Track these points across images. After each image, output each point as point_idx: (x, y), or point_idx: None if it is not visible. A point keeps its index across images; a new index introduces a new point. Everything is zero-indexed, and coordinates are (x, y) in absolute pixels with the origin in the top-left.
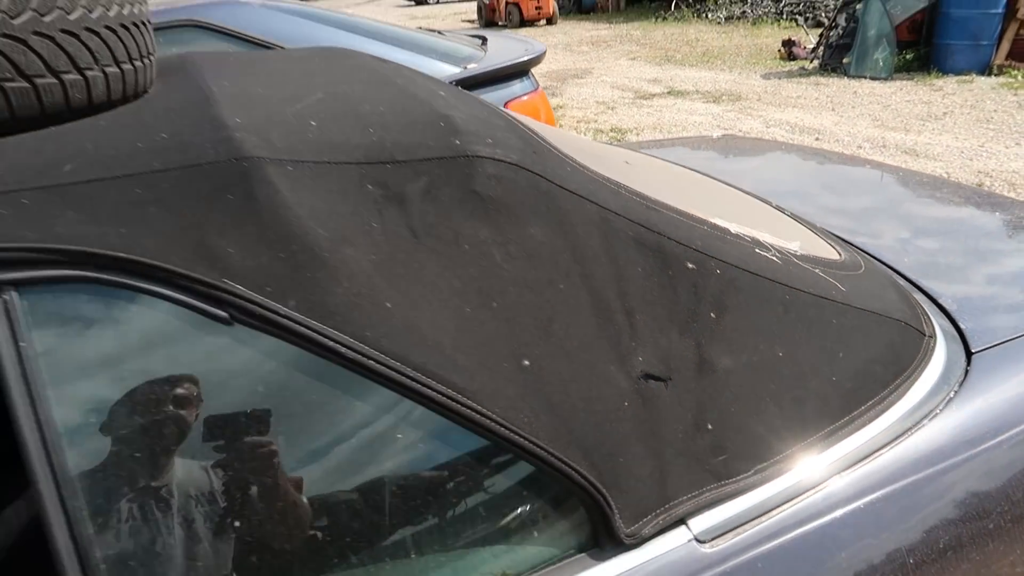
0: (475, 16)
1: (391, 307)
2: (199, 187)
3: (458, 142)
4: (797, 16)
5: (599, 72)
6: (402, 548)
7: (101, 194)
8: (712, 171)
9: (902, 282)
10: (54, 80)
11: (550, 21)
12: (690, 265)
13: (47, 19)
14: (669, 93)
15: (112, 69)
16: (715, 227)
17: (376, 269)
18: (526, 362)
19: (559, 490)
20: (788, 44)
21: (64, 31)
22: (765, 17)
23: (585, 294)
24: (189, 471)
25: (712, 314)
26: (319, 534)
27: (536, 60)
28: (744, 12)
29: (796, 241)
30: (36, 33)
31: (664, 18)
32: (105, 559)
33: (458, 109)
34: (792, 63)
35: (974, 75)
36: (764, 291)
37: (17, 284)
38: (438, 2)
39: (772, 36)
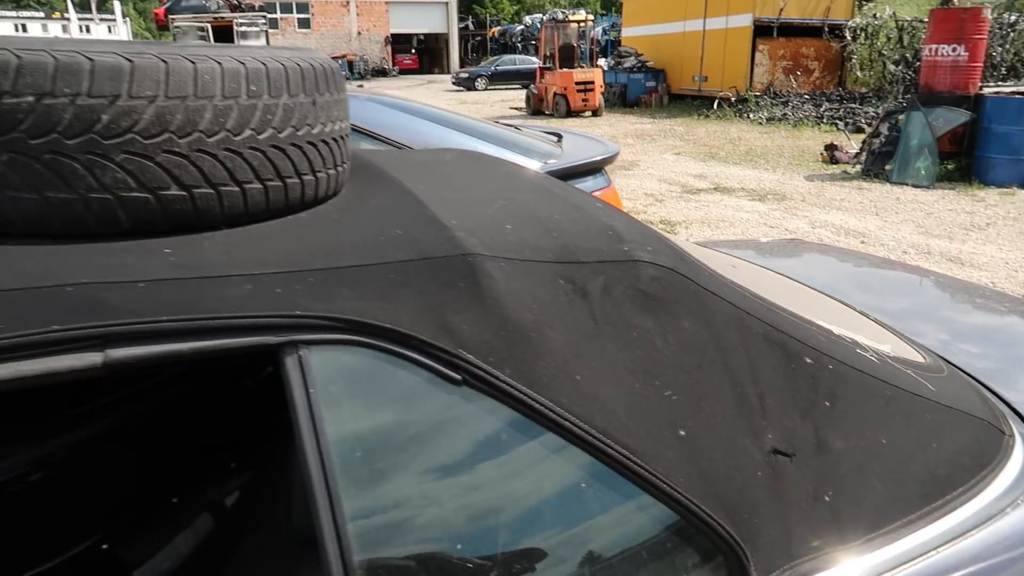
0: (523, 104)
1: (580, 379)
2: (437, 275)
3: (626, 248)
4: (837, 121)
5: (645, 165)
6: None
7: (366, 277)
8: (790, 273)
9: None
10: (297, 180)
11: (595, 113)
12: (808, 360)
13: (300, 133)
14: (715, 189)
15: (332, 171)
16: (821, 328)
17: (568, 348)
18: (682, 432)
19: (705, 543)
20: (831, 148)
21: (309, 142)
22: (806, 120)
23: (726, 379)
24: (426, 496)
25: (827, 403)
26: (507, 556)
27: (611, 159)
28: (785, 114)
29: (887, 344)
30: (293, 144)
31: (706, 116)
32: (360, 565)
33: (617, 220)
34: (834, 166)
35: (1015, 188)
36: (868, 386)
37: (309, 344)
38: (486, 88)
39: (813, 139)
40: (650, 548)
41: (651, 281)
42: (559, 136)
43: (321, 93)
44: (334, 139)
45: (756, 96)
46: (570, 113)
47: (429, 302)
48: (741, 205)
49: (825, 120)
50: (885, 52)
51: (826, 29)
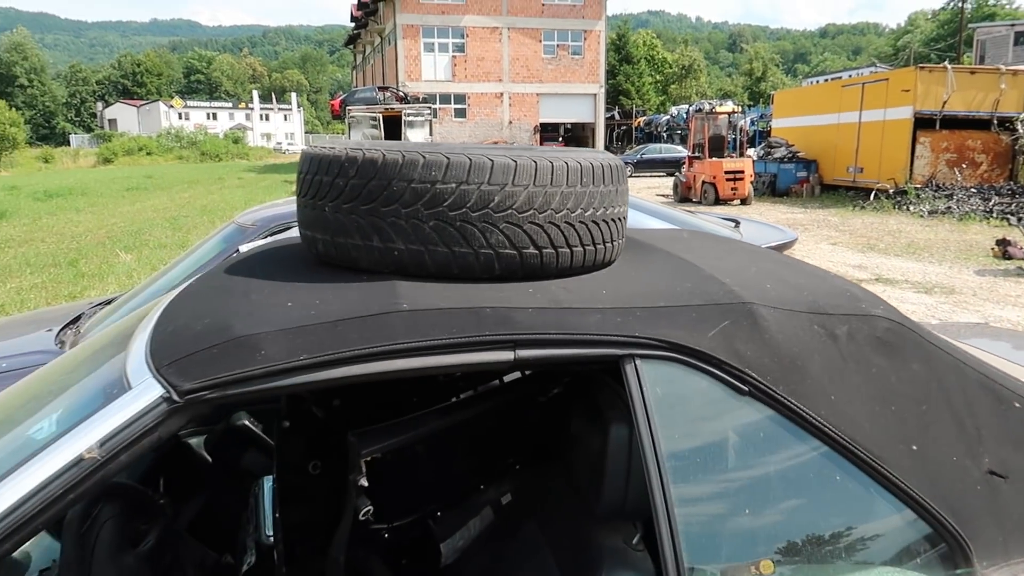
0: (669, 191)
1: (834, 399)
2: (726, 315)
3: (863, 305)
4: (1009, 216)
5: (801, 254)
6: (827, 557)
7: (676, 314)
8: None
9: None
10: (603, 246)
11: (744, 202)
12: (1017, 405)
13: (608, 212)
14: (876, 280)
15: (620, 240)
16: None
17: (823, 375)
18: (914, 447)
19: (934, 535)
20: (1003, 243)
21: (612, 218)
22: (972, 214)
23: (948, 411)
24: (719, 477)
25: None
26: (792, 536)
27: (789, 244)
28: (949, 208)
29: None
30: (603, 220)
31: (862, 207)
32: (686, 535)
33: (850, 285)
34: (1008, 262)
35: None
36: None
37: (642, 357)
38: (632, 176)
39: (981, 233)
40: (892, 534)
41: (885, 331)
42: (736, 222)
43: (620, 183)
44: (623, 217)
45: (916, 188)
46: (718, 201)
47: (722, 333)
48: (905, 297)
49: (995, 214)
50: None
51: (995, 122)
